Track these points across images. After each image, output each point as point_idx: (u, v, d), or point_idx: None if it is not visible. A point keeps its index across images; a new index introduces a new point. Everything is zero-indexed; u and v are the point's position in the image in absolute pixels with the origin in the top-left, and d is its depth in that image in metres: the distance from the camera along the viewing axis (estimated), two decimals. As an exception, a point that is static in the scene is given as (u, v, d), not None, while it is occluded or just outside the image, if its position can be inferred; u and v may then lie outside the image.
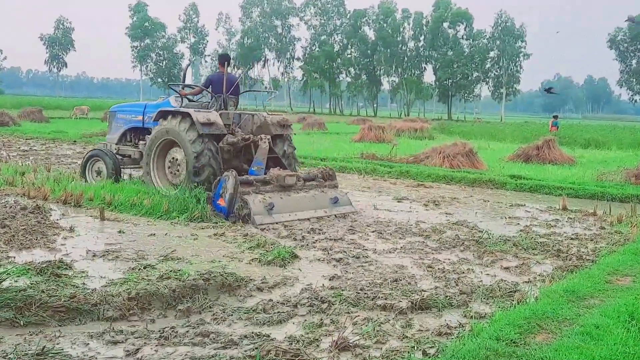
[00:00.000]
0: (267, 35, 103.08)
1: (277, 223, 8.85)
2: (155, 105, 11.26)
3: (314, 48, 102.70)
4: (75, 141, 22.16)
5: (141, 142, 11.34)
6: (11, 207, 8.50)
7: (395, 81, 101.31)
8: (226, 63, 11.04)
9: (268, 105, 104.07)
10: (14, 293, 4.73)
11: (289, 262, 6.73)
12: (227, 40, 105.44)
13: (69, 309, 4.73)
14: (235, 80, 11.00)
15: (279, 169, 9.96)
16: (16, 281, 5.22)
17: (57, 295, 4.85)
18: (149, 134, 10.77)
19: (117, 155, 11.57)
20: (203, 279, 5.58)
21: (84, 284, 5.44)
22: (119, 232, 7.81)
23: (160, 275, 5.70)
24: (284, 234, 8.23)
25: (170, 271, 5.83)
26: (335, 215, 9.65)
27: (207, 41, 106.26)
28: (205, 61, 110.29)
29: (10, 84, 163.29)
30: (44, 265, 5.70)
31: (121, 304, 4.93)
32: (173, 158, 10.26)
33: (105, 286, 5.35)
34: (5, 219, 7.73)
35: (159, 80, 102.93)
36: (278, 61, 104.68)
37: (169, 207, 8.93)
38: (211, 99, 10.88)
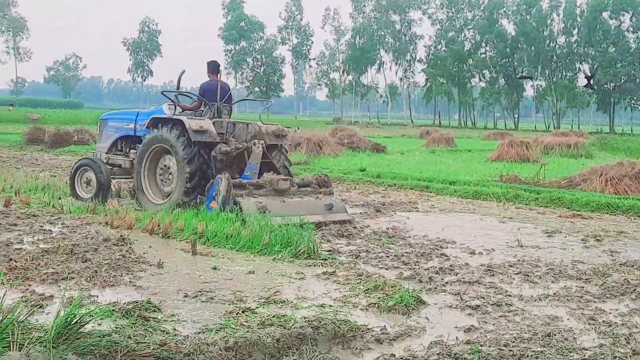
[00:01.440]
0: (382, 33, 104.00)
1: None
2: (147, 113, 12.71)
3: (439, 47, 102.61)
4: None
5: (132, 150, 13.01)
6: (93, 238, 9.00)
7: (541, 86, 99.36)
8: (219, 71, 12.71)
9: (357, 118, 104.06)
10: (97, 338, 4.94)
11: (414, 309, 6.68)
12: (336, 40, 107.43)
13: (158, 359, 4.90)
14: (229, 89, 12.70)
15: (272, 174, 11.40)
16: (100, 324, 5.47)
17: (145, 342, 5.02)
18: (140, 143, 12.18)
19: (107, 165, 13.03)
20: (311, 327, 5.63)
21: (174, 329, 5.62)
22: (213, 268, 8.05)
23: (261, 321, 5.80)
24: (406, 274, 8.20)
25: (273, 316, 5.93)
26: (333, 222, 11.02)
27: (312, 42, 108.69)
28: (310, 66, 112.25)
29: (91, 96, 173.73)
30: (130, 307, 5.93)
31: (217, 354, 5.05)
32: (164, 166, 11.88)
33: (199, 333, 5.50)
34: (87, 252, 8.16)
35: (256, 89, 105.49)
36: (396, 64, 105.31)
37: (270, 240, 9.13)
38: (205, 108, 12.45)
